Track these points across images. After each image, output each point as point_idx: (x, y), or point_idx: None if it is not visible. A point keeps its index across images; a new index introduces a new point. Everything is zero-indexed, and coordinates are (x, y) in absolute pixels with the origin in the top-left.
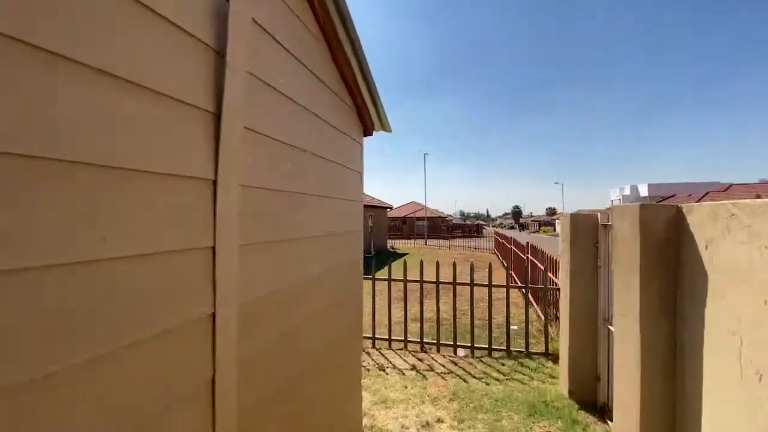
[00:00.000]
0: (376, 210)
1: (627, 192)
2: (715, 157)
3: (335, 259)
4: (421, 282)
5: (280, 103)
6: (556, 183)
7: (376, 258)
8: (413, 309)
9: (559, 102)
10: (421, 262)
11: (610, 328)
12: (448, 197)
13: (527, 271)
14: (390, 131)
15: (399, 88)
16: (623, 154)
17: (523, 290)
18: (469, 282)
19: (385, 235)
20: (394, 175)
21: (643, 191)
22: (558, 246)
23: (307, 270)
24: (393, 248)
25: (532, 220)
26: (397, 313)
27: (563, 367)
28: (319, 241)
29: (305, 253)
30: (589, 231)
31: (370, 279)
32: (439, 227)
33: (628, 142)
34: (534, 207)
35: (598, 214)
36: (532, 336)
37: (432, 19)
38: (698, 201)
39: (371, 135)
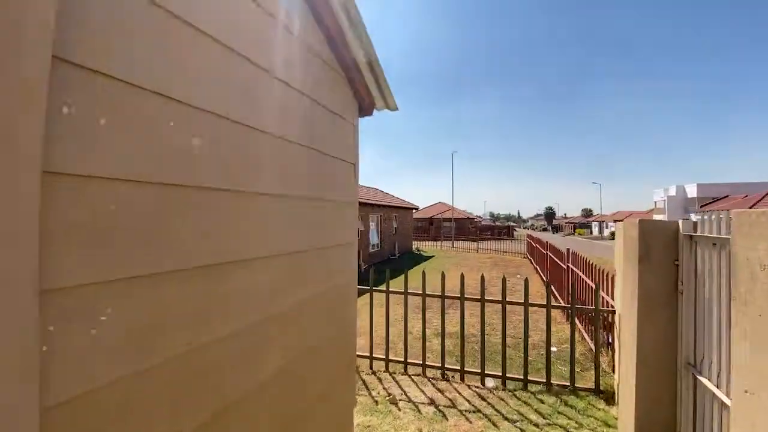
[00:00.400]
0: (400, 211)
1: (672, 192)
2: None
3: (310, 286)
4: (443, 297)
5: (177, 35)
6: (594, 183)
7: (400, 260)
8: (434, 324)
9: (596, 100)
10: (443, 275)
11: (702, 379)
12: (478, 198)
13: (573, 291)
14: (396, 109)
15: (428, 87)
16: (664, 155)
17: (566, 309)
18: (500, 299)
19: (410, 237)
20: (421, 176)
21: (691, 192)
22: (597, 250)
23: (252, 314)
24: (418, 250)
25: (566, 222)
26: (416, 326)
27: (627, 421)
28: (276, 265)
29: (247, 284)
30: (665, 244)
31: (383, 292)
32: (467, 228)
33: (669, 143)
34: (568, 208)
35: (680, 221)
36: (578, 362)
37: (462, 16)
38: (757, 203)
39: (371, 115)
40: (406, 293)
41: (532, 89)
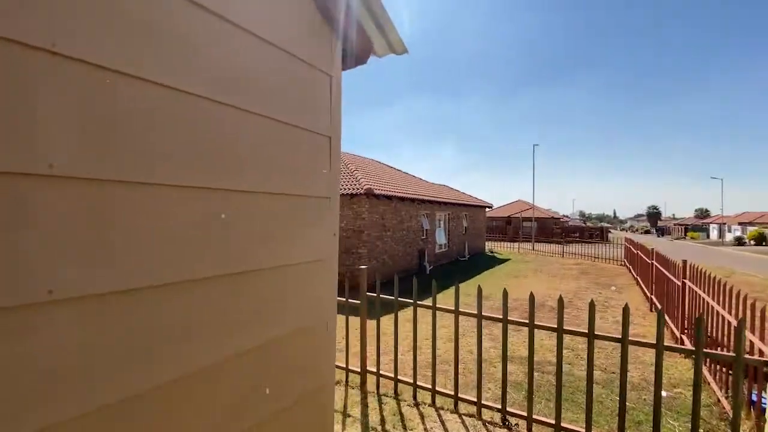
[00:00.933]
0: (471, 209)
1: None
2: None
3: (246, 331)
4: (505, 321)
5: None
6: (713, 178)
7: (470, 262)
8: (493, 351)
9: (710, 83)
10: (505, 294)
11: None
12: (565, 195)
13: (700, 331)
14: (404, 52)
15: (511, 75)
16: None
17: (688, 354)
18: (586, 331)
19: (482, 237)
20: (501, 173)
21: None
22: (717, 258)
23: (143, 377)
24: (492, 252)
25: (675, 224)
26: (472, 347)
27: None
28: (185, 297)
29: (132, 329)
30: None
31: (429, 308)
32: (550, 229)
33: None
34: (677, 208)
35: None
36: (703, 421)
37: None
38: None
39: (364, 63)
40: (457, 312)
41: (633, 74)
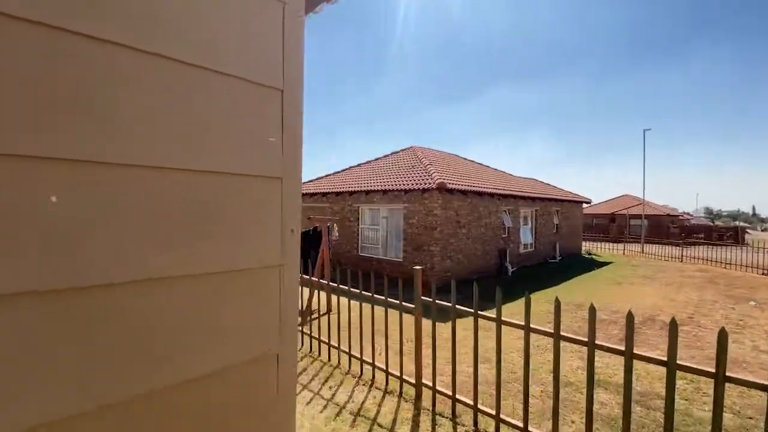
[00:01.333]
0: (565, 205)
1: None
2: None
3: (151, 365)
4: (592, 345)
5: None
6: None
7: (561, 264)
8: (581, 374)
9: None
10: (592, 310)
11: None
12: (686, 189)
13: None
14: None
15: (618, 51)
16: None
17: None
18: (712, 369)
19: (578, 236)
20: (605, 165)
21: None
22: None
23: None
24: (590, 254)
25: None
26: (549, 363)
27: None
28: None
29: None
30: None
31: (492, 320)
32: (665, 228)
33: None
34: None
35: None
36: None
37: None
38: None
39: None
40: (527, 328)
41: None
